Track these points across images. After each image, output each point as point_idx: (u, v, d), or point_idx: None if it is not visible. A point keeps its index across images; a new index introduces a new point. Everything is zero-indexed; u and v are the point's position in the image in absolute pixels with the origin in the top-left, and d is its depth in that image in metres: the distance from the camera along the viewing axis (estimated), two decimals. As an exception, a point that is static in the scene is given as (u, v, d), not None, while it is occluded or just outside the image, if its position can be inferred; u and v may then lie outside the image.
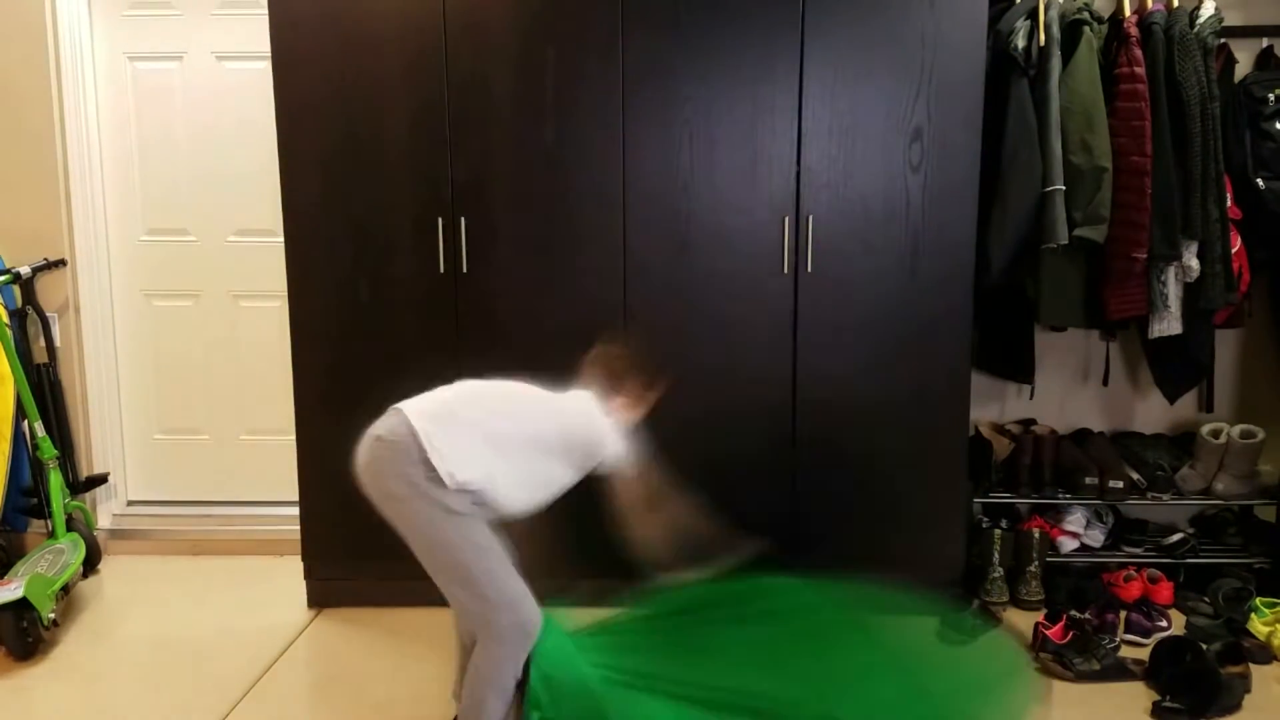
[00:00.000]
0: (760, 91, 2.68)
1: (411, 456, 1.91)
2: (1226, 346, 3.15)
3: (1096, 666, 2.51)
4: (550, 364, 2.80)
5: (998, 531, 2.94)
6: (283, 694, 2.54)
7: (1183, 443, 3.14)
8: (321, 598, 2.99)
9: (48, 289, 3.36)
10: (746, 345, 2.78)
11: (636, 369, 2.25)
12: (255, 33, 3.19)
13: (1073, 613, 2.64)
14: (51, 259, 3.32)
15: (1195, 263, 2.78)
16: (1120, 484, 2.94)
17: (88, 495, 3.44)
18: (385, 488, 1.95)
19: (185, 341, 3.58)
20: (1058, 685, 2.51)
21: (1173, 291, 2.81)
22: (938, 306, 2.73)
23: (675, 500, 2.17)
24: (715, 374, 2.80)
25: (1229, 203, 2.81)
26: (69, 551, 3.06)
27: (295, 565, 3.01)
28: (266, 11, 2.72)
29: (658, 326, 2.79)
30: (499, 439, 1.99)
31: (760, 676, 2.02)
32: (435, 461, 1.89)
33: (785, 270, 2.74)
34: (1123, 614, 2.77)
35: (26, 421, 3.15)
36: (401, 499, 1.93)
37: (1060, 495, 3.01)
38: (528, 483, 2.01)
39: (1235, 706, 2.36)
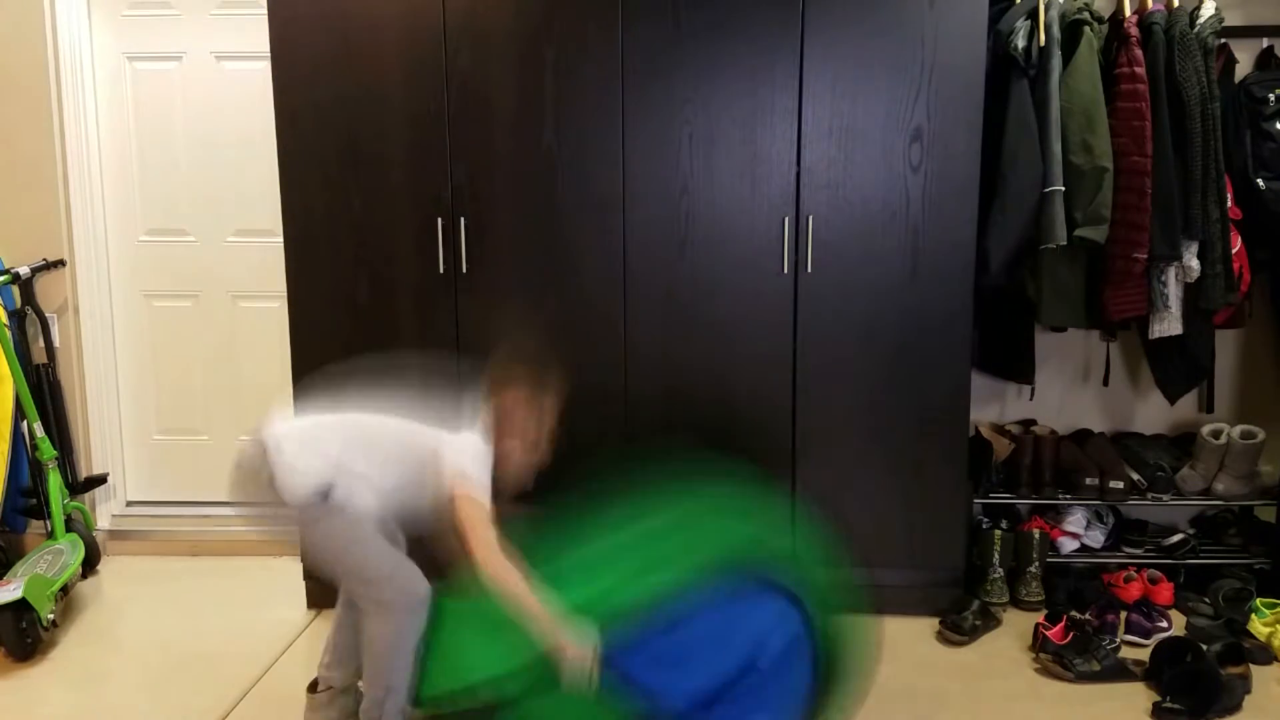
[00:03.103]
0: (760, 91, 2.68)
1: (262, 479, 2.06)
2: (1227, 347, 3.15)
3: (1097, 667, 2.51)
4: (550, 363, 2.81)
5: (998, 532, 2.93)
6: (283, 694, 2.54)
7: (1183, 443, 3.14)
8: (321, 598, 2.98)
9: (47, 289, 3.36)
10: (746, 345, 2.78)
11: (533, 389, 2.13)
12: (254, 33, 3.19)
13: (1073, 613, 2.64)
14: (51, 259, 3.32)
15: (1195, 263, 2.78)
16: (1120, 484, 2.94)
17: (87, 496, 3.44)
18: (248, 508, 2.15)
19: (185, 342, 3.58)
20: (1058, 686, 2.51)
21: (1173, 292, 2.81)
22: (938, 307, 2.73)
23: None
24: (714, 374, 2.80)
25: (1229, 203, 2.81)
26: (68, 552, 3.06)
27: (295, 565, 3.01)
28: (266, 11, 2.72)
29: (656, 326, 2.78)
30: (348, 454, 2.08)
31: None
32: (280, 481, 2.04)
33: (785, 270, 2.74)
34: (1123, 614, 2.77)
35: (25, 422, 3.14)
36: (265, 517, 2.15)
37: (1060, 496, 3.01)
38: (381, 490, 2.09)
39: (1235, 707, 2.35)
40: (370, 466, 2.08)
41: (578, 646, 1.87)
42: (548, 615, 1.90)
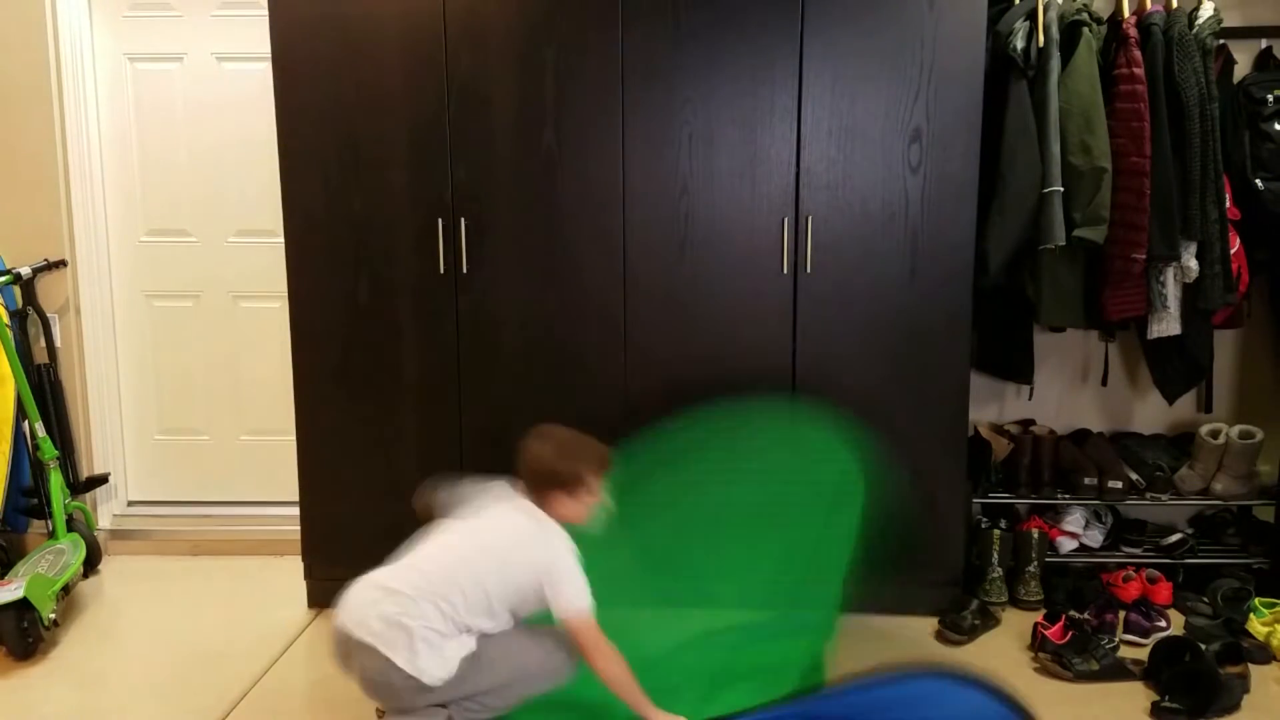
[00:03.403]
0: (760, 92, 2.68)
1: (408, 692, 1.99)
2: (1225, 347, 3.15)
3: (1095, 667, 2.51)
4: (550, 364, 2.82)
5: (997, 532, 2.94)
6: (283, 694, 2.54)
7: (1182, 443, 3.14)
8: (321, 598, 2.99)
9: (48, 289, 3.36)
10: (745, 346, 2.78)
11: (574, 457, 2.13)
12: (255, 34, 3.19)
13: (1072, 613, 2.64)
14: (52, 259, 3.33)
15: (1194, 263, 2.78)
16: (1119, 484, 2.94)
17: (88, 495, 3.44)
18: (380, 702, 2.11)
19: (186, 341, 3.59)
20: (1057, 685, 2.51)
21: (1172, 292, 2.81)
22: (937, 307, 2.73)
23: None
24: (715, 374, 2.80)
25: (1228, 203, 2.82)
26: (69, 552, 3.06)
27: (295, 565, 3.02)
28: (267, 13, 2.72)
29: (656, 326, 2.79)
30: (471, 608, 2.01)
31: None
32: (418, 677, 1.96)
33: (784, 271, 2.75)
34: (1121, 614, 2.77)
35: (27, 422, 3.15)
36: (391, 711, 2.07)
37: (1059, 495, 3.02)
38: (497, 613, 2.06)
39: (1234, 707, 2.36)
40: (484, 615, 2.03)
41: None
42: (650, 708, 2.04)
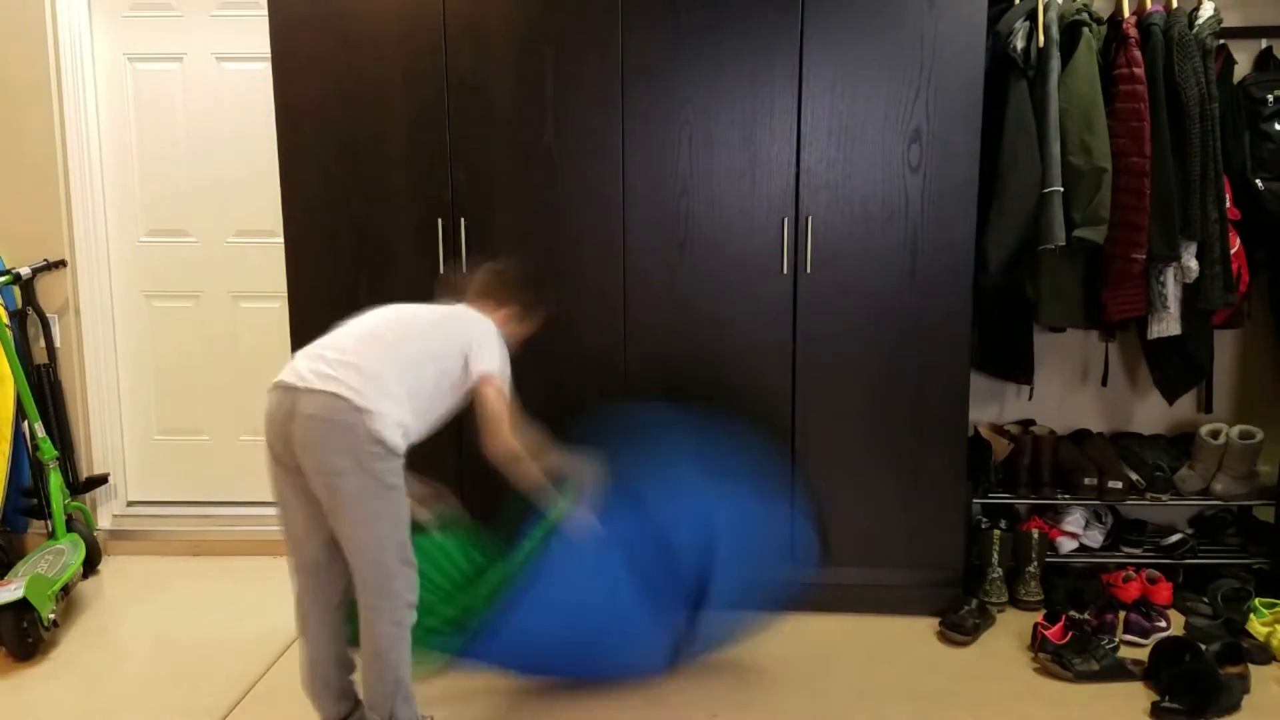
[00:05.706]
0: (759, 92, 2.68)
1: (359, 434, 1.93)
2: (1225, 347, 3.15)
3: (1095, 667, 2.51)
4: (550, 364, 2.82)
5: (997, 532, 2.94)
6: (283, 694, 2.54)
7: (1182, 443, 3.14)
8: (321, 598, 2.99)
9: (48, 290, 3.36)
10: (745, 346, 2.79)
11: (517, 292, 2.38)
12: (255, 34, 3.20)
13: (1072, 613, 2.64)
14: (51, 260, 3.33)
15: (1194, 263, 2.78)
16: (1119, 484, 2.94)
17: (88, 496, 3.44)
18: (328, 463, 1.96)
19: (185, 342, 3.59)
20: (1057, 685, 2.51)
21: (1172, 292, 2.81)
22: (937, 307, 2.73)
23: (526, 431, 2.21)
24: (715, 374, 2.80)
25: (1228, 203, 2.82)
26: (69, 552, 3.06)
27: (295, 565, 3.01)
28: (266, 13, 2.72)
29: (657, 326, 2.79)
30: (407, 378, 2.02)
31: None
32: (386, 437, 1.95)
33: (784, 271, 2.75)
34: (1122, 614, 2.77)
35: (26, 422, 3.15)
36: (341, 473, 1.95)
37: (1059, 496, 3.02)
38: (426, 412, 2.09)
39: (1234, 707, 2.36)
40: (410, 396, 2.02)
41: (592, 469, 2.30)
42: (561, 462, 2.27)
